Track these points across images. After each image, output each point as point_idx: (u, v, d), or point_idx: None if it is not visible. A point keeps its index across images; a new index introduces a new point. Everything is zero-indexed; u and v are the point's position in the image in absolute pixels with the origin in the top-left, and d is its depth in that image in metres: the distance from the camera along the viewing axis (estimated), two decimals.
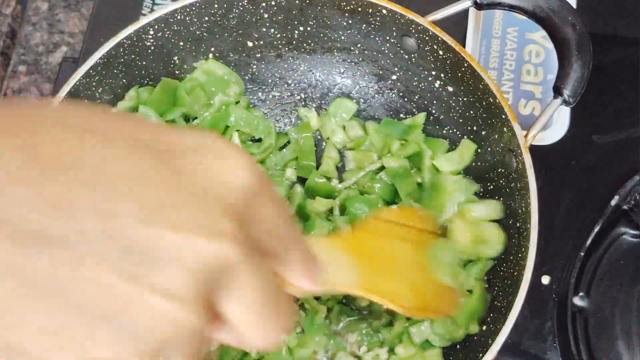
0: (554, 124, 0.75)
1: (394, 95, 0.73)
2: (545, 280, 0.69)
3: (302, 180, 0.71)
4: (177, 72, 0.72)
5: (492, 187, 0.66)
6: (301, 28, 0.71)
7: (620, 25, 0.81)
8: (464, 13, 0.71)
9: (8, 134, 0.26)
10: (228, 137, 0.70)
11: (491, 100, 0.63)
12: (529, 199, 0.58)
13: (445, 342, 0.63)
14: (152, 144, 0.28)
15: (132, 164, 0.27)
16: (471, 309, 0.61)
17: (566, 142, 0.75)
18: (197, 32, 0.69)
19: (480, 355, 0.56)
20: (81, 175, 0.26)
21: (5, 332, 0.25)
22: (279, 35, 0.72)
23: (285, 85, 0.75)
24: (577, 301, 0.68)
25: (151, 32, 0.67)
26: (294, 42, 0.72)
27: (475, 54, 0.78)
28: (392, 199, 0.69)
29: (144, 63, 0.69)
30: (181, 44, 0.70)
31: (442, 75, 0.68)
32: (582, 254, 0.69)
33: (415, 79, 0.70)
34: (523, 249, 0.58)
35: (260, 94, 0.76)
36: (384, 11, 0.66)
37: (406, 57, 0.69)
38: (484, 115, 0.65)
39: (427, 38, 0.65)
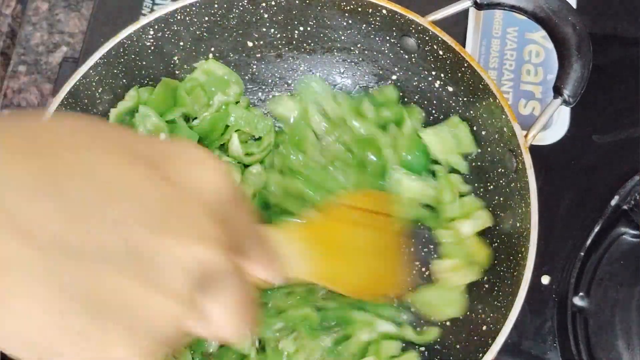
0: (554, 124, 0.75)
1: None
2: (545, 280, 0.69)
3: None
4: (177, 72, 0.72)
5: (492, 187, 0.66)
6: (301, 28, 0.71)
7: (620, 25, 0.81)
8: (464, 13, 0.71)
9: (23, 157, 0.28)
10: (228, 136, 0.71)
11: (491, 100, 0.63)
12: (529, 199, 0.58)
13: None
14: (147, 153, 0.31)
15: (134, 175, 0.30)
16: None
17: (566, 142, 0.75)
18: (197, 32, 0.69)
19: (480, 355, 0.56)
20: (92, 191, 0.29)
21: (35, 333, 0.28)
22: (279, 35, 0.72)
23: (285, 85, 0.75)
24: (577, 301, 0.68)
25: (151, 32, 0.67)
26: (294, 42, 0.72)
27: (475, 54, 0.78)
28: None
29: (144, 63, 0.69)
30: (181, 44, 0.70)
31: (442, 75, 0.68)
32: (582, 254, 0.69)
33: (415, 79, 0.70)
34: (523, 249, 0.58)
35: (260, 94, 0.76)
36: (384, 11, 0.66)
37: (406, 57, 0.69)
38: (484, 115, 0.65)
39: (427, 38, 0.65)
